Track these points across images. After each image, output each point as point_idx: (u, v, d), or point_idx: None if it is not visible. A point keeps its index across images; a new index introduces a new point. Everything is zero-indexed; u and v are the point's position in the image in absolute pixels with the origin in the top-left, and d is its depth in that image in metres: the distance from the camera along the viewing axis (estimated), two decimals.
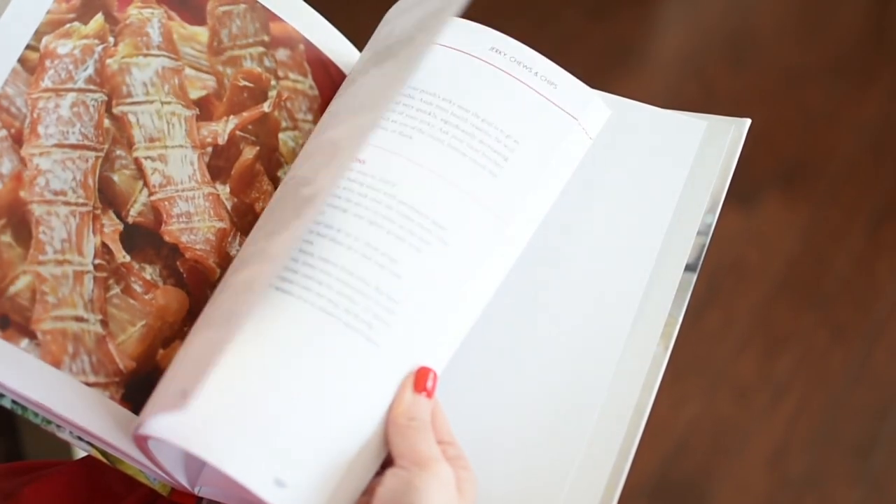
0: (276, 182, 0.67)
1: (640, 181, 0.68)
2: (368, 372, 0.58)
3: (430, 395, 0.59)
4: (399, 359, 0.59)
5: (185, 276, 0.65)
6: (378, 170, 0.62)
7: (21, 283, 0.62)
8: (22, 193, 0.63)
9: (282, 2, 0.70)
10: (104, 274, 0.63)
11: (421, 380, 0.59)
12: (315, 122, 0.68)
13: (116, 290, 0.63)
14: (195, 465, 0.63)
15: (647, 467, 1.53)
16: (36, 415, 0.62)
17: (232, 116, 0.67)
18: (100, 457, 0.64)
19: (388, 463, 0.59)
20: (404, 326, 0.59)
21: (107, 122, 0.65)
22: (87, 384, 0.61)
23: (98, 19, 0.66)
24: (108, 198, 0.65)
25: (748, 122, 0.68)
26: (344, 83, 0.68)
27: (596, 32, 1.98)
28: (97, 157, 0.65)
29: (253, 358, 0.58)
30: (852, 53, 2.00)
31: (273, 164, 0.68)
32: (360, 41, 0.72)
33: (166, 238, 0.65)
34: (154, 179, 0.65)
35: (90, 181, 0.64)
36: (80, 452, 0.70)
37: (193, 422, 0.57)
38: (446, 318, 0.60)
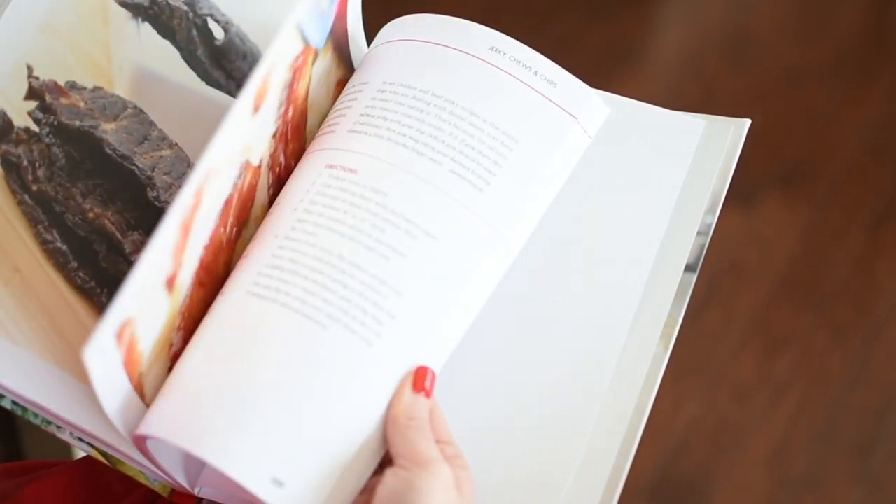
0: None
1: (640, 181, 0.68)
2: (366, 372, 0.58)
3: (428, 394, 0.59)
4: (396, 358, 0.59)
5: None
6: (370, 179, 0.62)
7: None
8: None
9: None
10: None
11: (419, 379, 0.59)
12: None
13: None
14: (195, 465, 0.63)
15: (647, 467, 1.53)
16: (36, 415, 0.62)
17: None
18: (100, 457, 0.64)
19: (385, 462, 0.59)
20: (401, 326, 0.59)
21: None
22: None
23: None
24: None
25: (748, 122, 0.68)
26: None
27: (596, 32, 1.98)
28: None
29: (252, 360, 0.58)
30: (852, 53, 2.00)
31: None
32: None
33: None
34: None
35: None
36: (80, 453, 0.70)
37: (192, 422, 0.57)
38: (443, 318, 0.60)
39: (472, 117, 0.63)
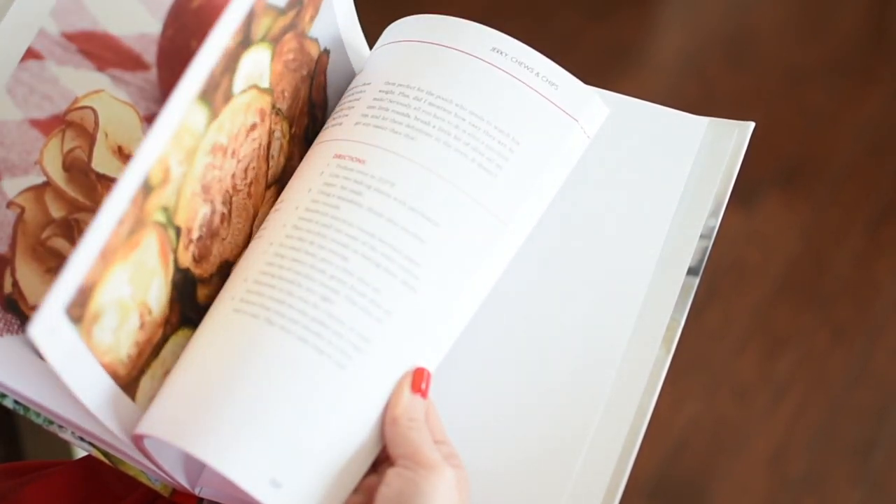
0: None
1: (642, 181, 0.68)
2: (363, 372, 0.58)
3: (424, 395, 0.59)
4: (393, 359, 0.59)
5: None
6: (378, 170, 0.62)
7: None
8: None
9: None
10: None
11: (417, 380, 0.59)
12: None
13: None
14: (195, 465, 0.63)
15: (647, 467, 1.54)
16: (38, 415, 0.62)
17: None
18: (101, 457, 0.64)
19: (377, 461, 0.59)
20: (398, 326, 0.59)
21: None
22: None
23: None
24: None
25: (752, 125, 0.68)
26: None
27: (596, 32, 1.98)
28: None
29: (249, 361, 0.58)
30: (852, 53, 2.00)
31: None
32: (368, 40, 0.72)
33: None
34: None
35: None
36: (80, 452, 0.70)
37: (190, 422, 0.57)
38: (440, 319, 0.60)
39: (473, 118, 0.63)
